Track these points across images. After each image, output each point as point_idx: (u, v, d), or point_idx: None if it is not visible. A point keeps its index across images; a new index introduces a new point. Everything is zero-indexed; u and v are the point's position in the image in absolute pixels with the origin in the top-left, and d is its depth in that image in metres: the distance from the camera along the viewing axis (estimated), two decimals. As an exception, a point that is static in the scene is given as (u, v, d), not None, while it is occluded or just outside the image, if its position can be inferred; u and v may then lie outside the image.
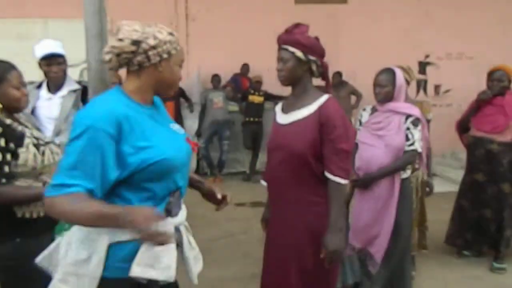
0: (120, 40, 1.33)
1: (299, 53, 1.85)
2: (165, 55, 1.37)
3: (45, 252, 1.42)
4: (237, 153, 6.63)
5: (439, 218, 3.59)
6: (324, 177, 1.84)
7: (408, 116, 2.49)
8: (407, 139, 2.48)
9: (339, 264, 1.97)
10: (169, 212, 1.39)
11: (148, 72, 1.37)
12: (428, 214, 3.16)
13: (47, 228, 1.77)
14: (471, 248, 3.47)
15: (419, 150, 2.49)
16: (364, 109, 2.73)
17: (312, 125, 1.83)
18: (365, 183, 2.51)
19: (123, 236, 1.28)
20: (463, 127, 3.45)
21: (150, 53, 1.34)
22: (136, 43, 1.33)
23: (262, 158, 5.95)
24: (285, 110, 1.98)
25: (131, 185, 1.31)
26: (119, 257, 1.30)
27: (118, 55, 1.34)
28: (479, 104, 3.33)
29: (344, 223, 1.86)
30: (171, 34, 1.41)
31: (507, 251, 3.33)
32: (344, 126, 1.84)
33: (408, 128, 2.48)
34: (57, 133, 2.61)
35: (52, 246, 1.41)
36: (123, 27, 1.34)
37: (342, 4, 7.17)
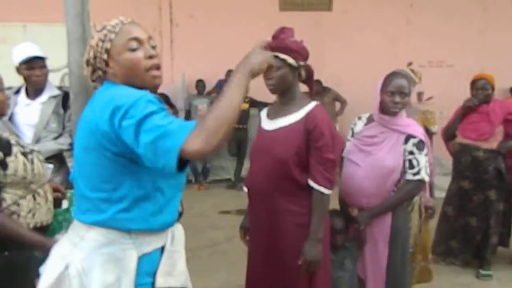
0: (83, 68, 1.34)
1: (291, 60, 1.79)
2: (104, 56, 1.28)
3: None
4: (221, 160, 6.57)
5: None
6: (306, 187, 1.80)
7: (410, 136, 2.07)
8: (412, 166, 2.05)
9: (327, 279, 1.94)
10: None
11: (113, 80, 1.29)
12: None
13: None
14: (456, 257, 3.47)
15: (426, 179, 2.09)
16: (359, 118, 2.30)
17: (298, 132, 1.79)
18: (364, 222, 2.07)
19: (150, 246, 1.28)
20: (449, 134, 3.48)
21: (98, 64, 1.29)
22: (88, 63, 1.31)
23: (247, 165, 5.90)
24: (271, 116, 1.94)
25: None
26: (144, 271, 1.26)
27: (93, 80, 1.33)
28: (465, 112, 3.36)
29: (323, 233, 1.82)
30: (100, 30, 1.29)
31: (493, 258, 3.36)
32: (331, 135, 1.81)
33: (411, 153, 2.06)
34: (37, 140, 2.53)
35: (48, 283, 1.25)
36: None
37: (327, 12, 7.22)
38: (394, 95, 2.05)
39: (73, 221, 1.33)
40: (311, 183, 1.79)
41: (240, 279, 2.09)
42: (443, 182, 3.72)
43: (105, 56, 1.27)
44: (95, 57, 1.28)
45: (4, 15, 6.47)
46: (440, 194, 3.76)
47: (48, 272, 1.27)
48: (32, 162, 1.66)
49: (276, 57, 1.79)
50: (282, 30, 1.83)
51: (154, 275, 1.29)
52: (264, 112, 2.03)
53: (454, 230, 3.44)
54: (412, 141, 2.07)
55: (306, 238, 1.79)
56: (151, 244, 1.28)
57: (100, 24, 1.30)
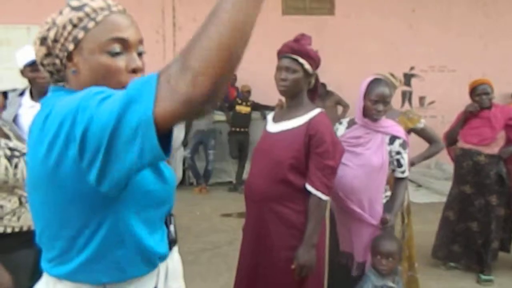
0: (34, 44, 0.95)
1: (307, 66, 1.83)
2: (70, 46, 0.90)
3: None
4: (223, 163, 6.58)
5: (424, 229, 3.60)
6: (302, 191, 1.81)
7: (395, 137, 2.19)
8: (400, 165, 2.20)
9: (319, 285, 1.94)
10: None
11: (72, 81, 0.95)
12: (413, 226, 2.92)
13: (20, 244, 1.67)
14: (458, 261, 3.47)
15: (408, 174, 2.30)
16: (340, 122, 2.37)
17: (299, 136, 1.81)
18: (393, 221, 2.16)
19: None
20: (451, 139, 3.48)
21: (57, 50, 0.91)
22: (43, 41, 0.93)
23: (249, 168, 5.91)
24: (276, 119, 1.97)
25: None
26: None
27: (42, 64, 0.96)
28: (467, 117, 3.36)
29: (317, 239, 1.82)
30: (76, 8, 0.91)
31: (494, 263, 3.35)
32: (332, 142, 1.83)
33: (398, 153, 2.19)
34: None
35: None
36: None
37: (329, 16, 7.25)
38: (377, 104, 2.13)
39: None
40: (309, 187, 1.80)
41: (241, 282, 2.10)
42: (444, 187, 3.73)
43: (70, 46, 0.91)
44: (55, 41, 0.91)
45: (8, 17, 6.51)
46: (441, 198, 3.77)
47: None
48: (15, 167, 1.62)
49: (295, 60, 1.82)
50: (303, 36, 1.87)
51: None
52: (271, 115, 2.06)
53: (455, 234, 3.43)
54: (398, 141, 2.19)
55: (301, 243, 1.80)
56: (150, 280, 1.00)
57: (79, 1, 0.93)
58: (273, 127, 1.95)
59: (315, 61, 1.86)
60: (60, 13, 0.92)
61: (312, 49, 1.86)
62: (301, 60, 1.82)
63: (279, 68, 1.86)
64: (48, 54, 0.94)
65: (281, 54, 1.87)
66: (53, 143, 0.82)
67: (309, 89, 1.93)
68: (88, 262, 0.92)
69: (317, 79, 1.93)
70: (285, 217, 1.82)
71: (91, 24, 0.90)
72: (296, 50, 1.82)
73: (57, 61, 0.94)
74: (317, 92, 1.98)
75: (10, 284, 1.56)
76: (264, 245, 1.86)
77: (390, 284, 2.02)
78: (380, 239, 2.06)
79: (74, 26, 0.90)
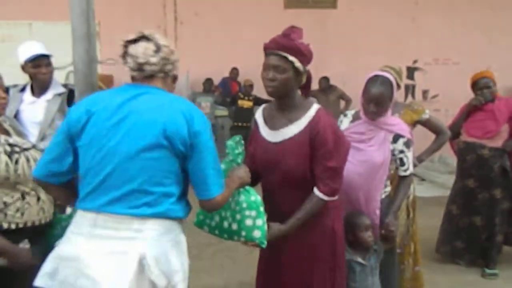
0: (166, 47, 1.48)
1: (298, 64, 1.66)
2: (176, 72, 1.58)
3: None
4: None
5: (428, 224, 3.58)
6: None
7: (399, 136, 2.12)
8: (403, 163, 2.16)
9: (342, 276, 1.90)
10: None
11: (169, 81, 1.57)
12: (417, 220, 2.85)
13: (24, 239, 1.67)
14: (461, 258, 3.44)
15: (413, 170, 2.24)
16: (345, 115, 2.30)
17: (304, 142, 1.71)
18: (395, 221, 2.13)
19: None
20: (454, 132, 3.45)
21: (177, 65, 1.55)
22: (158, 50, 1.47)
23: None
24: (270, 124, 1.82)
25: None
26: None
27: (164, 58, 1.48)
28: (470, 110, 3.34)
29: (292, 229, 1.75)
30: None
31: (499, 257, 3.34)
32: (334, 141, 1.70)
33: (402, 151, 2.14)
34: (42, 137, 2.54)
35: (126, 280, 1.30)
36: (156, 35, 1.49)
37: (332, 9, 7.21)
38: (370, 104, 2.05)
39: (105, 218, 1.38)
40: (316, 192, 1.72)
41: (244, 276, 2.09)
42: (448, 181, 3.71)
43: (176, 66, 1.57)
44: (177, 61, 1.56)
45: (10, 13, 6.51)
46: (445, 192, 3.74)
47: (118, 272, 1.30)
48: (16, 163, 1.62)
49: (285, 58, 1.66)
50: (293, 29, 1.70)
51: None
52: (260, 117, 1.89)
53: (458, 229, 3.42)
54: (401, 140, 2.13)
55: (326, 241, 1.77)
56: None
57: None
58: (271, 135, 1.80)
59: (307, 57, 1.69)
60: (173, 51, 1.53)
61: (303, 43, 1.69)
62: (291, 58, 1.64)
63: (266, 67, 1.68)
64: (162, 59, 1.47)
65: (268, 51, 1.69)
66: (196, 131, 1.44)
67: (301, 86, 1.78)
68: (174, 204, 1.42)
69: (309, 75, 1.75)
70: (313, 224, 1.75)
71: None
72: (285, 46, 1.64)
73: (172, 68, 1.54)
74: (309, 89, 1.82)
75: (30, 256, 1.61)
76: (289, 254, 1.79)
77: (360, 260, 2.02)
78: (355, 216, 2.04)
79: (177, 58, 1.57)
